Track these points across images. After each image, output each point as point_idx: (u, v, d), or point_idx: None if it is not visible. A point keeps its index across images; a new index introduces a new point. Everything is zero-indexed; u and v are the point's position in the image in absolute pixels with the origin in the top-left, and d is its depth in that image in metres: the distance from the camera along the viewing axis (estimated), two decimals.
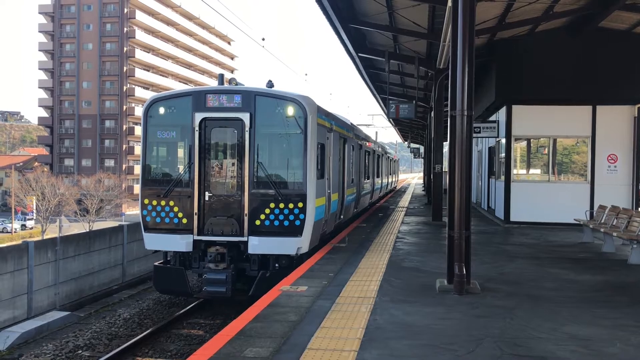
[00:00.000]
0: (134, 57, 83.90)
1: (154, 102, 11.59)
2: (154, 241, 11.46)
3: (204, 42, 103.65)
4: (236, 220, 11.03)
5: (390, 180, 39.34)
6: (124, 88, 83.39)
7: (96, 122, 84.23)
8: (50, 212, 59.80)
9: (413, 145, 59.96)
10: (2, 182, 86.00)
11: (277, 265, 11.05)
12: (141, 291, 16.43)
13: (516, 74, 17.58)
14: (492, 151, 21.91)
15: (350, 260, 11.02)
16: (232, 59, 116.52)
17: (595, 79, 16.97)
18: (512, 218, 17.61)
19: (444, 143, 19.11)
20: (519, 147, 18.85)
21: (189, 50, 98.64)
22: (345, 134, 15.57)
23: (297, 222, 10.92)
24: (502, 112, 18.49)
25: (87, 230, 35.50)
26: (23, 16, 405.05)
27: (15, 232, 61.31)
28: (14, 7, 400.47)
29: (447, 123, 9.58)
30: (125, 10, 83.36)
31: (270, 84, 11.94)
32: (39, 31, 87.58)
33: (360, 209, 20.79)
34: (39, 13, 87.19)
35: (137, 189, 44.60)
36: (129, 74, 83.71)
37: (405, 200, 31.97)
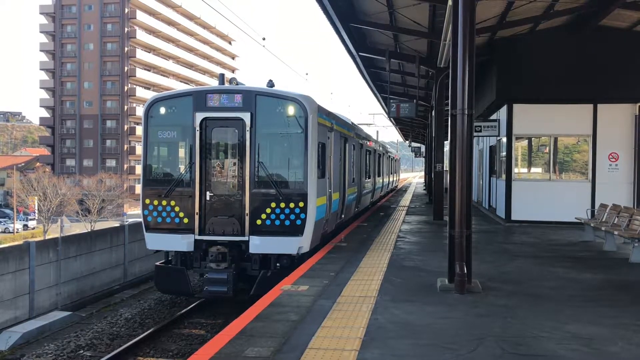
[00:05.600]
0: (135, 57, 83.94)
1: (155, 102, 11.59)
2: (155, 241, 11.47)
3: (205, 41, 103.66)
4: (237, 220, 11.04)
5: (391, 179, 39.33)
6: (125, 88, 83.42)
7: (97, 122, 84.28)
8: (52, 212, 59.86)
9: (414, 144, 59.88)
10: (4, 183, 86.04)
11: (278, 264, 11.05)
12: (142, 291, 16.44)
13: (517, 73, 17.57)
14: (493, 150, 21.90)
15: (352, 259, 11.02)
16: (232, 58, 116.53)
17: (595, 77, 16.95)
18: (513, 217, 17.60)
19: (445, 142, 19.09)
20: (520, 146, 18.84)
21: (190, 50, 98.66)
22: (346, 133, 15.57)
23: (298, 222, 10.92)
24: (503, 111, 18.48)
25: (88, 230, 35.48)
26: (24, 16, 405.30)
27: (17, 232, 61.38)
28: (14, 7, 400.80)
29: (448, 122, 9.58)
30: (126, 10, 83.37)
31: (271, 84, 11.94)
32: (40, 31, 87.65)
33: (362, 208, 20.78)
34: (40, 13, 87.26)
35: (138, 189, 44.72)
36: (130, 74, 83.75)
37: (406, 200, 31.96)
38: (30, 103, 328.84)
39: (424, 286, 8.73)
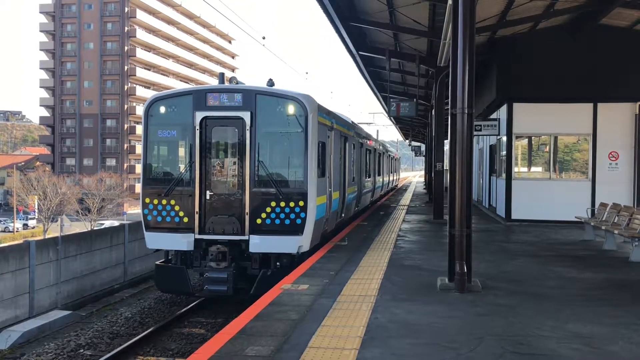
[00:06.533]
0: (135, 56, 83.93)
1: (155, 101, 11.58)
2: (155, 240, 11.47)
3: (205, 40, 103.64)
4: (237, 219, 11.03)
5: (391, 178, 39.32)
6: (125, 87, 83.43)
7: (97, 122, 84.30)
8: (52, 211, 59.87)
9: (414, 143, 59.84)
10: (4, 182, 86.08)
11: (278, 264, 11.05)
12: (142, 290, 16.45)
13: (517, 72, 17.55)
14: (493, 149, 21.89)
15: (352, 258, 11.01)
16: (232, 57, 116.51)
17: (596, 76, 16.94)
18: (514, 216, 17.59)
19: (445, 141, 19.07)
20: (520, 145, 18.82)
21: (190, 49, 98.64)
22: (346, 132, 15.57)
23: (298, 221, 10.92)
24: (503, 110, 18.47)
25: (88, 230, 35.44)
26: (23, 16, 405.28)
27: (17, 231, 61.38)
28: (14, 7, 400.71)
29: (448, 121, 9.57)
30: (126, 9, 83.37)
31: (271, 83, 11.93)
32: (40, 31, 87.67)
33: (362, 208, 20.78)
34: (40, 12, 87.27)
35: (138, 188, 44.41)
36: (130, 73, 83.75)
37: (406, 199, 31.95)
38: (30, 102, 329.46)
39: (424, 285, 8.72)
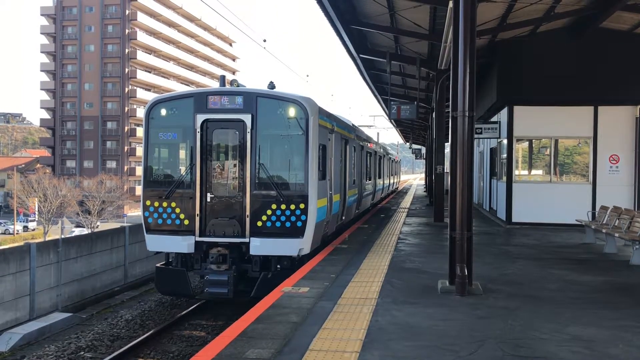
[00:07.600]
0: (136, 58, 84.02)
1: (156, 104, 11.60)
2: (155, 242, 11.47)
3: (206, 43, 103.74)
4: (238, 222, 11.03)
5: (392, 181, 39.33)
6: (126, 89, 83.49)
7: (98, 124, 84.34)
8: (52, 213, 59.87)
9: (415, 146, 59.82)
10: (5, 184, 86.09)
11: (278, 266, 11.05)
12: (143, 292, 16.44)
13: (517, 75, 17.58)
14: (493, 152, 21.91)
15: (352, 261, 11.02)
16: (233, 60, 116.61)
17: (596, 79, 16.96)
18: (514, 219, 17.60)
19: (446, 144, 19.09)
20: (520, 148, 18.84)
21: (191, 51, 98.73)
22: (346, 135, 15.58)
23: (299, 224, 10.92)
24: (504, 112, 18.49)
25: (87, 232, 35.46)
26: (24, 18, 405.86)
27: (17, 233, 61.37)
28: (14, 8, 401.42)
29: (448, 124, 9.58)
30: (127, 11, 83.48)
31: (271, 85, 11.95)
32: (41, 33, 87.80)
33: (362, 210, 20.78)
34: (41, 15, 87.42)
35: (139, 190, 44.35)
36: (130, 76, 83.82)
37: (406, 201, 31.96)
38: (31, 104, 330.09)
39: (424, 288, 8.73)
